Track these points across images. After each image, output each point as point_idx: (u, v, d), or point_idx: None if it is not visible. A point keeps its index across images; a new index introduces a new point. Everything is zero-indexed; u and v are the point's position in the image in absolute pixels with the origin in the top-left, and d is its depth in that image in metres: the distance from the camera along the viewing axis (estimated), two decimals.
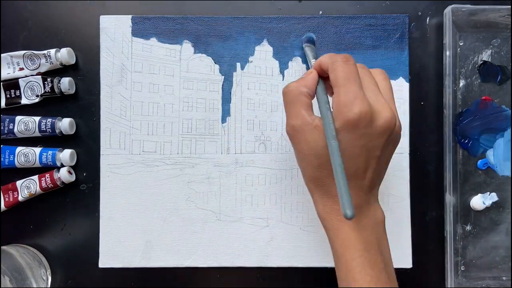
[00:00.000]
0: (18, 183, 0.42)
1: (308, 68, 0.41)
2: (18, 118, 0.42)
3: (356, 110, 0.28)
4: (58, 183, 0.41)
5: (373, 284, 0.29)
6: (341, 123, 0.29)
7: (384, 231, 0.33)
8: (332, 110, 0.30)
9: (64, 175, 0.41)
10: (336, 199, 0.31)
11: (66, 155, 0.41)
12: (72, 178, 0.42)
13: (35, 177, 0.42)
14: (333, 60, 0.31)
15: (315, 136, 0.30)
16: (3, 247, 0.40)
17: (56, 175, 0.41)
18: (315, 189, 0.32)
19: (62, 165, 0.42)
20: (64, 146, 0.43)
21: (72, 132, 0.43)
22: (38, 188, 0.41)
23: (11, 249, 0.40)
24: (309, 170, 0.31)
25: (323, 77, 0.33)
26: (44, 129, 0.41)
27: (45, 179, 0.41)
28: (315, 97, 0.33)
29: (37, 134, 0.41)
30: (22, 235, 0.43)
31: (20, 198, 0.42)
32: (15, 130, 0.41)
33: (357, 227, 0.30)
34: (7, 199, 0.42)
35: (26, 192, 0.41)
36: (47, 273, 0.42)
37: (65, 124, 0.41)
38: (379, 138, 0.29)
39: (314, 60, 0.38)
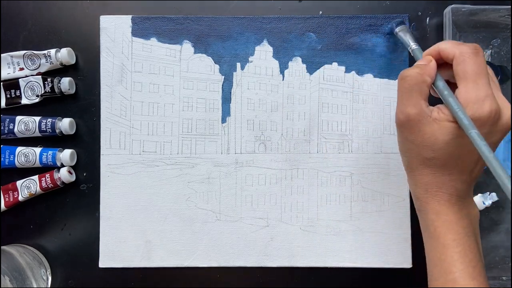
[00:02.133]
0: (18, 183, 0.42)
1: (411, 55, 0.37)
2: (18, 118, 0.42)
3: (487, 108, 0.28)
4: (58, 183, 0.41)
5: (471, 269, 0.29)
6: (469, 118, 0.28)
7: (478, 226, 0.33)
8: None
9: (64, 175, 0.41)
10: (444, 183, 0.30)
11: (66, 155, 0.41)
12: (72, 178, 0.42)
13: (35, 177, 0.42)
14: (461, 51, 0.30)
15: (434, 129, 0.29)
16: (3, 247, 0.40)
17: (56, 175, 0.41)
18: (421, 175, 0.31)
19: (62, 165, 0.42)
20: (64, 146, 0.43)
21: (72, 132, 0.43)
22: (38, 188, 0.41)
23: (11, 249, 0.40)
24: (418, 159, 0.31)
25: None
26: (44, 129, 0.41)
27: (45, 179, 0.41)
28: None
29: (37, 134, 0.41)
30: (22, 235, 0.43)
31: (20, 198, 0.42)
32: (15, 130, 0.41)
33: (460, 213, 0.30)
34: (7, 199, 0.42)
35: (26, 192, 0.41)
36: (47, 273, 0.42)
37: (65, 124, 0.41)
38: (499, 134, 0.29)
39: (415, 45, 0.36)
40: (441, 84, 0.31)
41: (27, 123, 0.41)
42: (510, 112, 0.29)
